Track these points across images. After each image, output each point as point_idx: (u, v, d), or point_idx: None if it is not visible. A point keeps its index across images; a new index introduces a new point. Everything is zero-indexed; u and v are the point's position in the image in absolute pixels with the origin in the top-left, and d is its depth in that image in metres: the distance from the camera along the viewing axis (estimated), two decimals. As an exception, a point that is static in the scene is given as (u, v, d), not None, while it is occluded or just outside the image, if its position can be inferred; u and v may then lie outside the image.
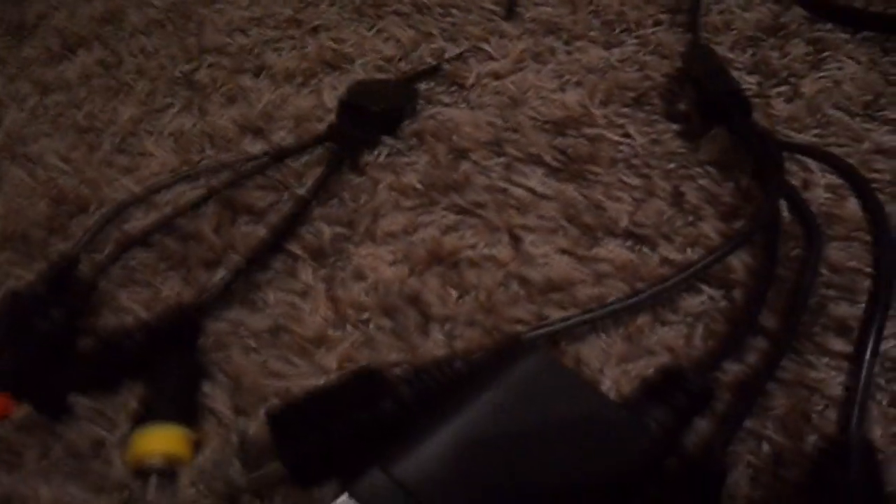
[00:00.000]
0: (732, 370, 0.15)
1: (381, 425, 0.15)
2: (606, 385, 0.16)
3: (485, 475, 0.13)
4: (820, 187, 0.18)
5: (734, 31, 0.23)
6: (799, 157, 0.19)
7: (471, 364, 0.15)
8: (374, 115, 0.22)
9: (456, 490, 0.13)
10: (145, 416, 0.17)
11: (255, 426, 0.17)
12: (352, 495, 0.13)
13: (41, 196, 0.24)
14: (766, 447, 0.15)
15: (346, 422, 0.15)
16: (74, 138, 0.27)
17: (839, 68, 0.21)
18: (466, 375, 0.15)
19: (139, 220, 0.23)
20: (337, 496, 0.13)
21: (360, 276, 0.20)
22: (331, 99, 0.25)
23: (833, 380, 0.15)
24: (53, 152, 0.26)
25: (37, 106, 0.29)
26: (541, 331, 0.16)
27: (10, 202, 0.25)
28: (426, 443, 0.13)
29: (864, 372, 0.13)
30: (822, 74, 0.21)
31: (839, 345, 0.16)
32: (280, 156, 0.22)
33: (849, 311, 0.16)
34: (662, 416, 0.14)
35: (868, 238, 0.17)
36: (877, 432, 0.14)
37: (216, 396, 0.18)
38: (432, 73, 0.24)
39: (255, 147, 0.24)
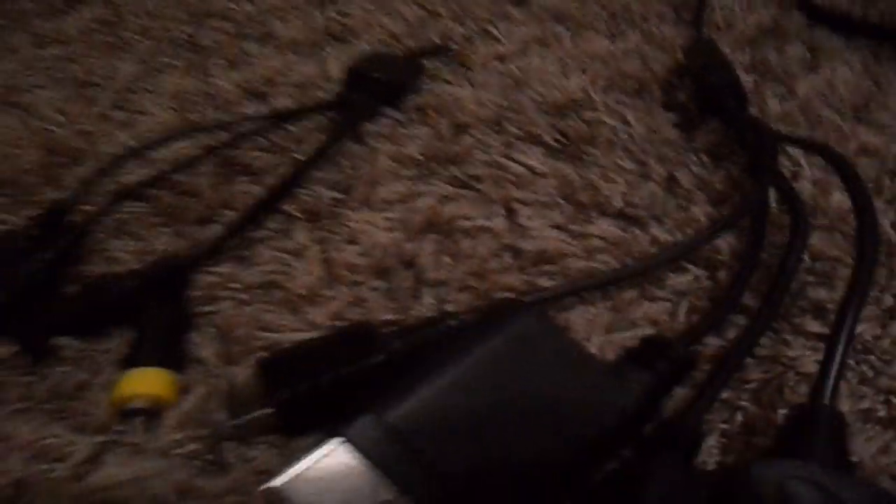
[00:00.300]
0: (713, 344, 0.17)
1: (372, 377, 0.16)
2: (592, 352, 0.17)
3: (473, 426, 0.14)
4: (807, 180, 0.20)
5: (735, 31, 0.25)
6: (789, 151, 0.20)
7: (463, 323, 0.16)
8: (381, 85, 0.23)
9: (446, 438, 0.14)
10: (131, 360, 0.18)
11: (243, 375, 0.18)
12: (345, 438, 0.14)
13: (34, 145, 0.25)
14: (739, 416, 0.16)
15: (336, 372, 0.16)
16: (71, 91, 0.28)
17: (833, 72, 0.23)
18: (458, 333, 0.16)
19: (135, 174, 0.23)
20: (322, 441, 0.14)
21: (354, 239, 0.21)
22: (335, 69, 0.26)
23: (807, 358, 0.17)
24: (48, 103, 0.27)
25: (32, 57, 0.29)
26: (532, 297, 0.17)
27: (2, 148, 0.25)
28: (419, 392, 0.14)
29: (841, 343, 0.14)
30: (816, 77, 0.23)
31: (815, 326, 0.17)
32: (281, 119, 0.24)
33: (826, 295, 0.17)
34: (646, 380, 0.15)
35: (849, 230, 0.19)
36: (845, 407, 0.16)
37: (204, 346, 0.19)
38: (438, 51, 0.26)
39: (257, 110, 0.25)
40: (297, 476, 0.14)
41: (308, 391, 0.16)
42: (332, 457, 0.14)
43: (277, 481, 0.14)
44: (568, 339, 0.15)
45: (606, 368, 0.15)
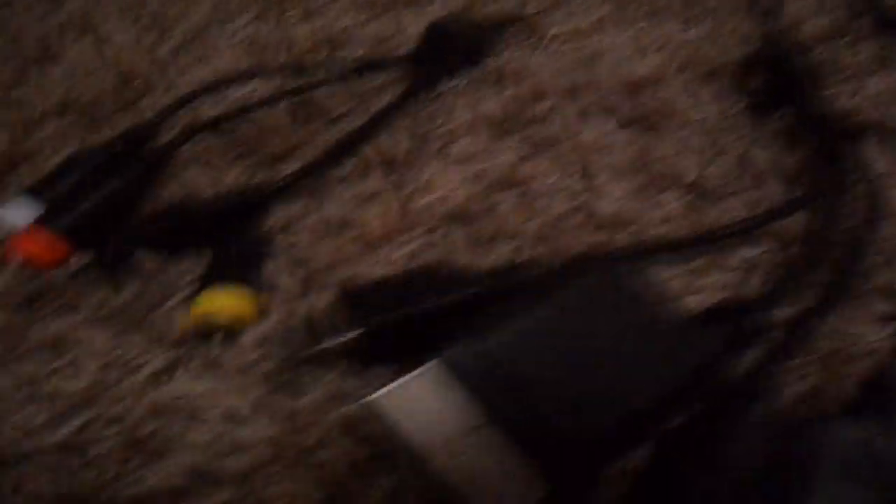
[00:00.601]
0: (783, 314, 0.17)
1: (464, 311, 0.16)
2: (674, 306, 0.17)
3: (563, 363, 0.15)
4: (878, 168, 0.20)
5: (807, 29, 0.25)
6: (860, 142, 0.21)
7: (553, 269, 0.17)
8: (459, 43, 0.24)
9: (538, 370, 0.14)
10: (211, 278, 0.19)
11: (322, 303, 0.18)
12: (441, 360, 0.14)
13: (108, 72, 0.25)
14: (807, 383, 0.16)
15: (433, 301, 0.16)
16: (145, 25, 0.28)
17: (883, 76, 0.23)
18: (548, 278, 0.17)
19: (211, 108, 0.24)
20: (420, 362, 0.15)
21: (429, 188, 0.21)
22: (412, 27, 0.26)
23: (873, 335, 0.17)
24: (122, 34, 0.27)
25: (105, -10, 0.30)
26: (615, 252, 0.18)
27: (73, 72, 0.26)
28: (515, 324, 0.15)
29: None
30: (885, 76, 0.23)
31: (882, 306, 0.18)
32: (360, 68, 0.24)
33: (893, 278, 0.18)
34: (723, 338, 0.16)
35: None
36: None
37: (281, 274, 0.19)
38: (515, 20, 0.26)
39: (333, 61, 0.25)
40: (391, 392, 0.14)
41: (401, 318, 0.16)
42: (428, 377, 0.14)
43: (372, 396, 0.14)
44: (655, 291, 0.16)
45: (688, 323, 0.16)
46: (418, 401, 0.14)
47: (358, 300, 0.17)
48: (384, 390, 0.14)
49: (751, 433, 0.14)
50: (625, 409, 0.15)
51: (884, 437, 0.13)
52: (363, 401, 0.14)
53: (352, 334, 0.16)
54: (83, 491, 0.16)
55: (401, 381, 0.14)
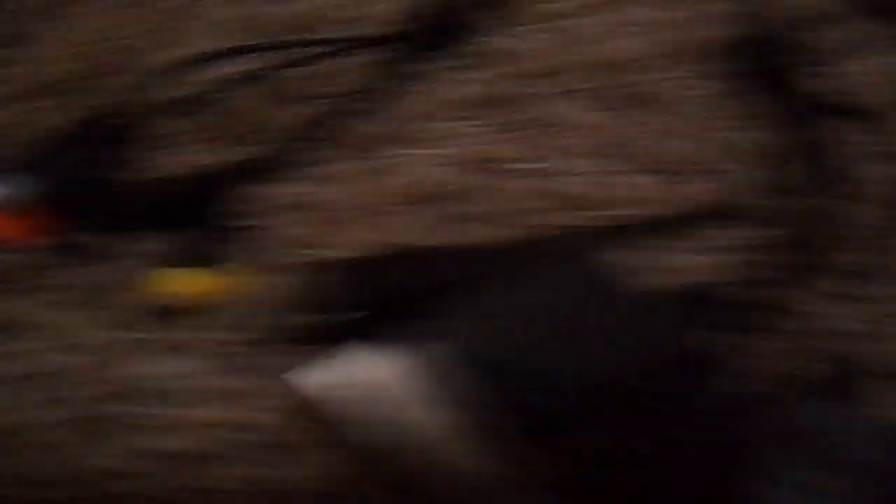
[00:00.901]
0: (756, 293, 0.17)
1: (437, 296, 0.15)
2: (646, 290, 0.17)
3: (536, 349, 0.14)
4: (854, 150, 0.20)
5: (789, 14, 0.25)
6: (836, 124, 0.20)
7: (525, 252, 0.16)
8: (435, 26, 0.23)
9: (510, 361, 0.14)
10: (169, 260, 0.18)
11: (291, 284, 0.17)
12: (410, 349, 0.14)
13: (76, 55, 0.24)
14: (775, 361, 0.16)
15: (396, 285, 0.16)
16: (112, 10, 0.27)
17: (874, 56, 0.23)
18: (519, 261, 0.16)
19: (177, 90, 0.23)
20: (384, 350, 0.14)
21: (403, 171, 0.20)
22: (381, 11, 0.25)
23: (843, 315, 0.17)
24: (90, 18, 0.26)
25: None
26: (582, 233, 0.17)
27: (43, 57, 0.24)
28: (485, 313, 0.14)
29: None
30: (869, 59, 0.23)
31: (852, 287, 0.17)
32: (334, 49, 0.23)
33: (864, 258, 0.18)
34: (696, 323, 0.15)
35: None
36: None
37: (250, 254, 0.18)
38: (492, 4, 0.25)
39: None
40: (340, 378, 0.14)
41: (370, 299, 0.15)
42: (393, 364, 0.14)
43: (329, 381, 0.14)
44: (624, 274, 0.15)
45: (662, 310, 0.15)
46: (380, 387, 0.14)
47: (328, 281, 0.16)
48: (342, 375, 0.13)
49: (699, 413, 0.13)
50: (589, 390, 0.14)
51: (842, 418, 0.13)
52: (314, 382, 0.13)
53: (320, 316, 0.15)
54: (42, 472, 0.15)
55: (359, 366, 0.14)
